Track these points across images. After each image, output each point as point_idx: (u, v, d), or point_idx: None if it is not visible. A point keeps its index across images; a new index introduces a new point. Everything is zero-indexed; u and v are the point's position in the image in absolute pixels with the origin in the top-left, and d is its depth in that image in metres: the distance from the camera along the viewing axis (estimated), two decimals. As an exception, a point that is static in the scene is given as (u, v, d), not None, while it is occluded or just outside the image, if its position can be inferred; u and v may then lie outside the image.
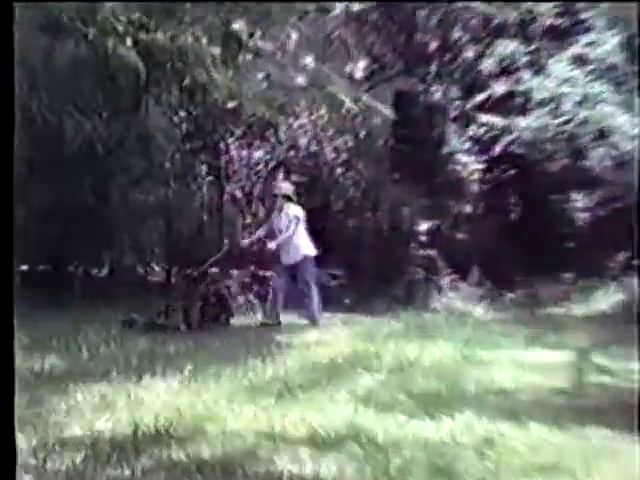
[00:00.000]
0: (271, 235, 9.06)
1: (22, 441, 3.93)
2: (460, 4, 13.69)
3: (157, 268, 13.24)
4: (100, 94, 10.44)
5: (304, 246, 8.96)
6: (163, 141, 11.57)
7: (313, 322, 8.92)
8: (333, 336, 8.68)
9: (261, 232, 9.28)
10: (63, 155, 10.20)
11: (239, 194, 13.85)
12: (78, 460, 3.73)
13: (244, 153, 13.84)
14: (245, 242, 9.45)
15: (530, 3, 13.61)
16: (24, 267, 11.30)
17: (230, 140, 13.63)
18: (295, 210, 8.89)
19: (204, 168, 13.89)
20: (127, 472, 3.63)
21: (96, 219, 10.94)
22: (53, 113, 9.87)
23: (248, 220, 14.12)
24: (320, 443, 4.20)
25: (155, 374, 5.75)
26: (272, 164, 14.03)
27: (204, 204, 13.82)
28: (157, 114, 11.65)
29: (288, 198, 8.97)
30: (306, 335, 8.73)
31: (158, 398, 5.10)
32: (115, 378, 5.58)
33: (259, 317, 9.35)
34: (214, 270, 9.59)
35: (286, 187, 9.23)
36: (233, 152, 13.76)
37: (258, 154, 14.05)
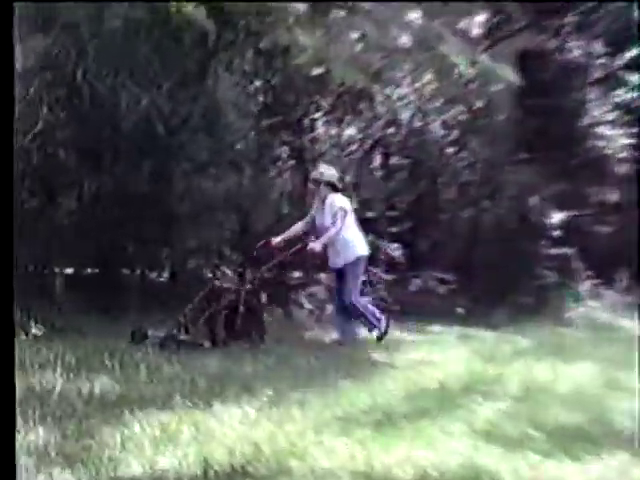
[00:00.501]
0: (312, 233, 8.99)
1: (67, 477, 4.02)
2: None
3: (228, 271, 13.37)
4: (160, 61, 10.60)
5: (357, 244, 8.85)
6: (235, 117, 11.66)
7: (344, 341, 8.86)
8: (443, 354, 8.64)
9: (298, 228, 9.05)
10: (115, 136, 10.45)
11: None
12: None
13: (333, 131, 13.89)
14: (277, 240, 8.86)
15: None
16: (69, 270, 11.72)
17: (316, 115, 13.70)
18: (341, 201, 8.74)
19: (285, 150, 14.01)
20: None
21: (155, 213, 11.18)
22: (104, 86, 10.09)
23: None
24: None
25: (227, 400, 5.80)
26: (367, 143, 14.00)
27: (284, 193, 13.93)
28: (228, 84, 11.75)
29: (332, 186, 8.78)
30: (410, 353, 8.77)
31: (232, 429, 5.12)
32: (180, 404, 5.65)
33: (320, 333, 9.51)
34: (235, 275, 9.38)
35: (329, 172, 8.97)
36: (320, 129, 13.82)
37: (350, 132, 14.05)
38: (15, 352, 2.03)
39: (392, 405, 5.95)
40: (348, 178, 14.04)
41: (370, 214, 14.62)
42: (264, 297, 9.39)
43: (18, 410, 5.26)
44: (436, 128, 14.02)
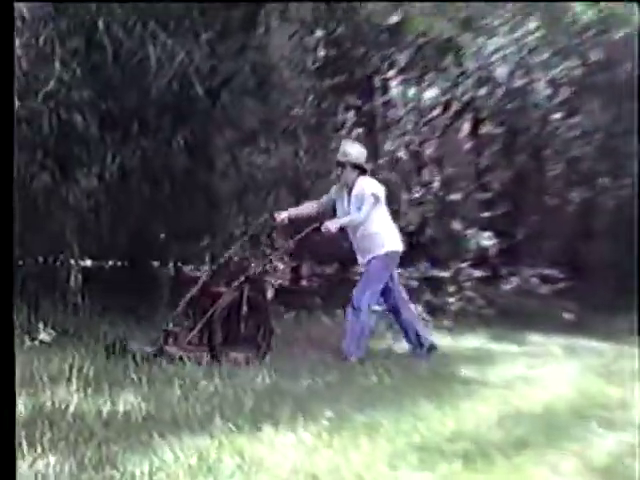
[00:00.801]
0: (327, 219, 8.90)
1: None
2: None
3: (281, 265, 13.49)
4: (198, 7, 10.69)
5: (388, 238, 8.77)
6: (290, 75, 11.69)
7: (348, 356, 8.74)
8: (549, 370, 8.62)
9: (311, 208, 9.01)
10: (144, 99, 10.54)
11: (403, 154, 13.85)
12: None
13: (410, 92, 13.81)
14: (282, 216, 8.76)
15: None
16: (86, 262, 12.01)
17: (389, 73, 13.65)
18: (373, 186, 8.66)
19: (350, 115, 14.00)
20: None
21: (192, 193, 11.36)
22: (130, 36, 10.18)
23: (417, 194, 14.11)
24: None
25: (278, 422, 5.85)
26: (453, 107, 13.87)
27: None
28: (281, 34, 11.78)
29: (360, 169, 8.69)
30: (505, 368, 8.75)
31: (284, 458, 5.16)
32: (220, 427, 5.71)
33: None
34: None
35: (356, 152, 8.81)
36: (393, 90, 13.76)
37: (431, 93, 13.96)
38: (15, 357, 1.76)
39: (483, 433, 5.92)
40: (429, 151, 13.95)
41: (455, 196, 14.55)
42: (270, 291, 9.45)
43: (23, 433, 5.36)
44: (541, 88, 13.78)
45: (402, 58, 13.65)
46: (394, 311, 8.94)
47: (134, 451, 5.13)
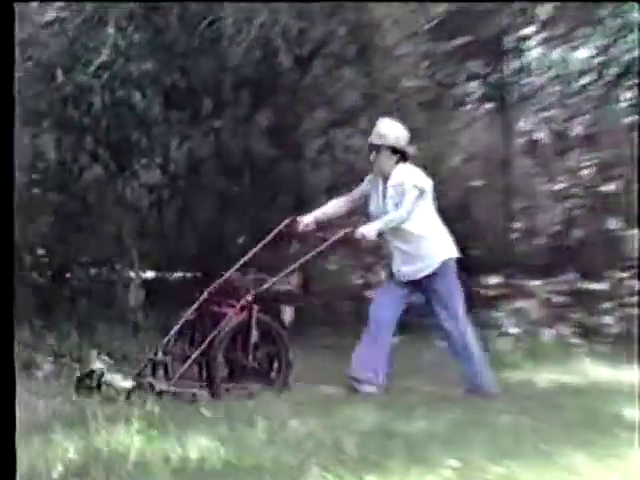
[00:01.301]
0: (357, 220, 8.88)
1: None
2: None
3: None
4: None
5: (441, 243, 8.51)
6: (397, 37, 11.80)
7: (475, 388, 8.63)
8: None
9: (338, 206, 8.76)
10: (219, 72, 10.93)
11: (544, 135, 13.75)
12: None
13: (554, 54, 13.70)
14: (307, 220, 8.56)
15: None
16: (148, 274, 12.25)
17: (527, 30, 13.56)
18: (416, 176, 8.37)
19: (475, 86, 13.96)
20: None
21: (278, 185, 11.66)
22: None
23: (562, 184, 14.01)
24: None
25: (389, 473, 5.86)
26: (613, 71, 13.57)
27: (476, 153, 13.95)
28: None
29: (401, 154, 8.42)
30: None
31: None
32: (316, 477, 5.71)
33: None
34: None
35: (396, 132, 8.51)
36: (532, 52, 13.67)
37: (583, 54, 13.75)
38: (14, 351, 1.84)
39: None
40: (577, 129, 13.85)
41: (612, 186, 14.35)
42: (288, 313, 8.97)
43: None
44: None
45: (542, 11, 13.54)
46: (449, 334, 8.75)
47: None
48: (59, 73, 9.97)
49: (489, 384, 8.58)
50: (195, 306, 8.21)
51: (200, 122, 11.06)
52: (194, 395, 7.78)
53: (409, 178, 8.27)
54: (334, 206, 8.65)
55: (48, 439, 6.01)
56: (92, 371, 7.94)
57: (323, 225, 8.58)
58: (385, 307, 8.59)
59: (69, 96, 10.13)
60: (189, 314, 8.18)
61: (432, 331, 11.33)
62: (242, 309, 8.03)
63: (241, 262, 8.59)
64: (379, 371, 8.46)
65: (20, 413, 6.64)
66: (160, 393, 7.55)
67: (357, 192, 8.63)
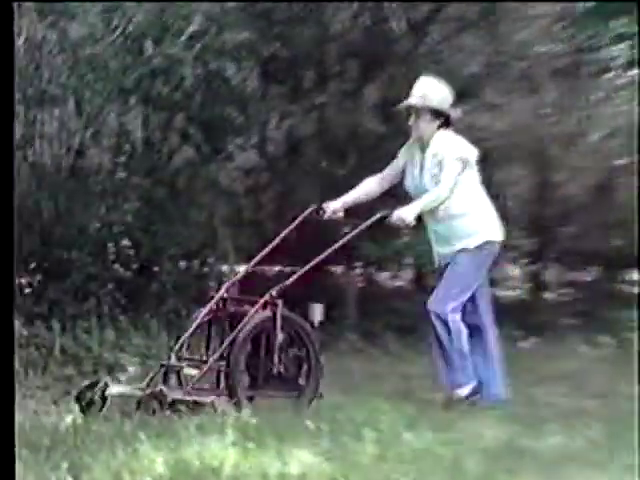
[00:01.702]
0: (392, 198, 8.46)
1: None
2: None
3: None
4: None
5: (483, 223, 8.23)
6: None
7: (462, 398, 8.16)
8: None
9: (370, 187, 8.50)
10: (323, 41, 11.10)
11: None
12: None
13: None
14: (336, 206, 8.37)
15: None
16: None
17: None
18: (457, 145, 8.10)
19: (622, 49, 13.82)
20: None
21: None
22: None
23: None
24: None
25: None
26: None
27: (619, 129, 13.97)
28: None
29: (444, 118, 8.15)
30: None
31: None
32: None
33: None
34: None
35: (440, 93, 8.21)
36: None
37: None
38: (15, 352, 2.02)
39: None
40: None
41: None
42: (317, 311, 8.26)
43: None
44: None
45: None
46: (474, 330, 8.22)
47: None
48: (147, 45, 10.16)
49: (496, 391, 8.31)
50: (211, 304, 8.00)
51: (302, 97, 11.21)
52: (213, 404, 7.45)
53: (451, 148, 8.03)
54: (365, 187, 8.42)
55: (133, 450, 6.11)
56: (95, 383, 7.70)
57: (354, 210, 8.41)
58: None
59: (158, 70, 10.31)
60: (204, 314, 7.93)
61: (570, 333, 11.33)
62: (265, 305, 7.79)
63: (262, 254, 8.54)
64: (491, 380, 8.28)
65: (100, 420, 7.00)
66: (173, 403, 7.37)
67: (392, 168, 8.39)
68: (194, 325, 7.87)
